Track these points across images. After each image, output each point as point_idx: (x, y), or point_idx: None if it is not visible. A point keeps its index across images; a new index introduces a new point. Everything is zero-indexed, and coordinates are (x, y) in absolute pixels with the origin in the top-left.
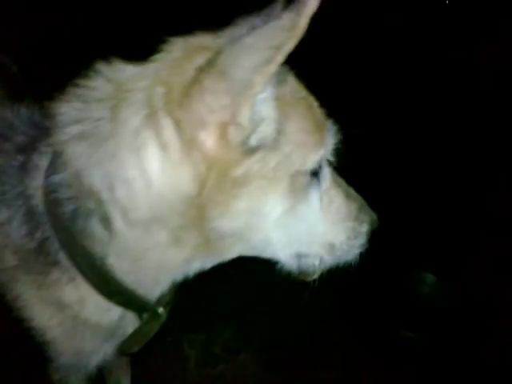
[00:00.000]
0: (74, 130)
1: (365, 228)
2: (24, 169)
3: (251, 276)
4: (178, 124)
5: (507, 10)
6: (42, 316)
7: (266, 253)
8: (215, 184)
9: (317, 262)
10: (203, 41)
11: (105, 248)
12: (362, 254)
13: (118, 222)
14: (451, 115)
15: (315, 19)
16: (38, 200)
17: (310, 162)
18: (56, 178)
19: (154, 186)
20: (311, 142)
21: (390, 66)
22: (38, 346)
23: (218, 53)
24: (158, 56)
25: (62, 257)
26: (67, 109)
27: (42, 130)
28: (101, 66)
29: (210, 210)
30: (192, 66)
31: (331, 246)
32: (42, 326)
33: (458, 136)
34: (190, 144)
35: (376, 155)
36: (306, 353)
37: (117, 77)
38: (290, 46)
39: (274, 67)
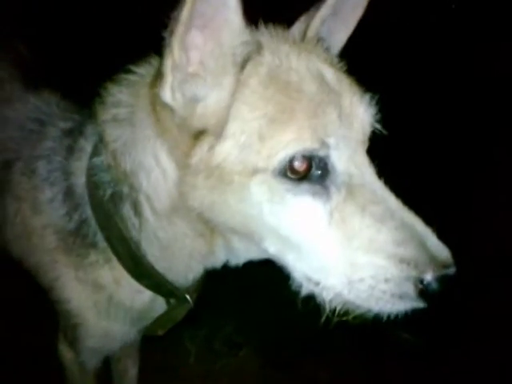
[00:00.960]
0: (112, 112)
1: (410, 272)
2: (70, 151)
3: (254, 273)
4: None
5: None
6: (78, 297)
7: (284, 264)
8: (188, 173)
9: (329, 296)
10: None
11: (137, 233)
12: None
13: (146, 210)
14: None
15: None
16: (80, 181)
17: (276, 160)
18: (97, 160)
19: (168, 176)
20: (276, 134)
21: (395, 69)
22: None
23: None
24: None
25: (99, 239)
26: (111, 92)
27: (86, 116)
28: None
29: (191, 200)
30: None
31: (348, 281)
32: (77, 308)
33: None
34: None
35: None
36: (304, 350)
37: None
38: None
39: (179, 31)
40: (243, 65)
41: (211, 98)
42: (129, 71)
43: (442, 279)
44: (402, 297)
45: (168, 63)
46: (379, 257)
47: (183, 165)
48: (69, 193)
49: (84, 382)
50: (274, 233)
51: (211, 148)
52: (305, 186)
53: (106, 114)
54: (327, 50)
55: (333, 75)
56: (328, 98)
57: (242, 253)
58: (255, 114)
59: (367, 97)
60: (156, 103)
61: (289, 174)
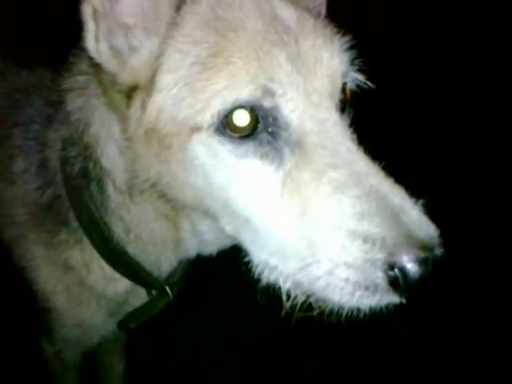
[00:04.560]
0: (74, 80)
1: (376, 254)
2: (50, 121)
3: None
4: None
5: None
6: (48, 279)
7: (245, 248)
8: (132, 140)
9: (286, 286)
10: None
11: (105, 213)
12: (376, 311)
13: (109, 187)
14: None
15: None
16: (55, 154)
17: (210, 113)
18: (66, 133)
19: (121, 148)
20: (210, 81)
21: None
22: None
23: None
24: None
25: (72, 217)
26: (76, 61)
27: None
28: None
29: (140, 171)
30: None
31: (304, 265)
32: (47, 291)
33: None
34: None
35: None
36: (297, 342)
37: None
38: None
39: None
40: (179, 5)
41: (144, 48)
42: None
43: (421, 263)
44: (368, 288)
45: (87, 10)
46: (337, 234)
47: (125, 131)
48: (43, 166)
49: (65, 378)
50: (225, 207)
51: (143, 105)
52: (249, 146)
53: (68, 82)
54: None
55: (291, 15)
56: (278, 38)
57: (209, 237)
58: (186, 61)
59: (337, 40)
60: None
61: (228, 131)
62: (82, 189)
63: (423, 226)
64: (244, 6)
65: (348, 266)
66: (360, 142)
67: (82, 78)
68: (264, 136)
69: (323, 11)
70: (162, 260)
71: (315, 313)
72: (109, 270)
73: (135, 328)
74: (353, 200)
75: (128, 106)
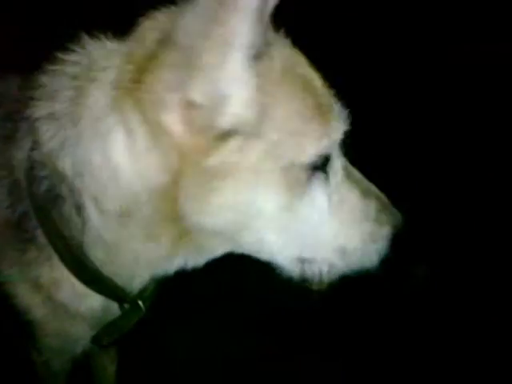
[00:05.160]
0: (47, 107)
1: (385, 231)
2: (11, 138)
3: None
4: (138, 105)
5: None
6: (24, 294)
7: (262, 255)
8: (190, 175)
9: (325, 269)
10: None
11: (79, 234)
12: (381, 260)
13: (91, 211)
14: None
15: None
16: (21, 173)
17: (308, 155)
18: (35, 154)
19: (121, 176)
20: (309, 129)
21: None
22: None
23: (173, 23)
24: (136, 30)
25: (40, 234)
26: (45, 82)
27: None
28: (85, 39)
29: (186, 204)
30: (154, 40)
31: (343, 251)
32: (24, 305)
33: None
34: (155, 128)
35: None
36: (295, 341)
37: (94, 53)
38: None
39: (223, 28)
40: (258, 57)
41: (236, 95)
42: (59, 58)
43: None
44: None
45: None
46: (368, 223)
47: (181, 167)
48: (13, 185)
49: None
50: (278, 225)
51: (240, 148)
52: (321, 175)
53: (40, 109)
54: None
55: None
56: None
57: (208, 252)
58: (285, 110)
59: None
60: (145, 101)
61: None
62: (49, 209)
63: (397, 215)
64: (301, 63)
65: (375, 240)
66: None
67: (62, 106)
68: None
69: None
70: (135, 277)
71: (325, 285)
72: (80, 287)
73: (108, 344)
74: (374, 207)
75: (212, 147)
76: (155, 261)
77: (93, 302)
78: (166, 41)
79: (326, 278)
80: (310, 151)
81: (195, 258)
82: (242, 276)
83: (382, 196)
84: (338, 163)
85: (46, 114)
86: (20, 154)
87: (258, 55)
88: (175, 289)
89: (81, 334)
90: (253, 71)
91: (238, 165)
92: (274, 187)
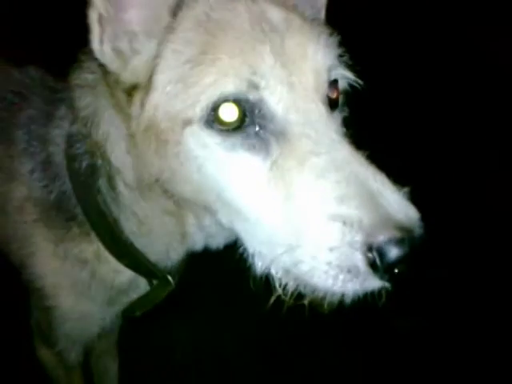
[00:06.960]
0: (83, 77)
1: (354, 235)
2: (50, 118)
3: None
4: (107, 84)
5: None
6: (55, 274)
7: (239, 239)
8: (137, 137)
9: (278, 273)
10: None
11: (115, 208)
12: (359, 297)
13: (120, 184)
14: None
15: None
16: (58, 149)
17: (199, 107)
18: (73, 129)
19: (116, 147)
20: (201, 76)
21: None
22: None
23: None
24: None
25: (79, 211)
26: (86, 58)
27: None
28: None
29: (143, 168)
30: None
31: (292, 251)
32: (53, 286)
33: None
34: (116, 99)
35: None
36: (295, 341)
37: None
38: None
39: None
40: (176, 11)
41: (144, 51)
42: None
43: (398, 244)
44: (350, 270)
45: (93, 15)
46: (318, 218)
47: (128, 129)
48: (47, 162)
49: (70, 379)
50: (218, 199)
51: (142, 103)
52: (237, 138)
53: (77, 78)
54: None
55: (279, 15)
56: (263, 36)
57: (214, 231)
58: (180, 60)
59: (323, 37)
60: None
61: (217, 124)
62: (89, 185)
63: (402, 209)
64: (235, 9)
65: (330, 249)
66: (356, 136)
67: (90, 76)
68: (251, 128)
69: (322, 17)
70: (170, 251)
71: (306, 301)
72: (114, 262)
73: (140, 316)
74: (333, 185)
75: (129, 104)
76: (178, 234)
77: (123, 276)
78: None
79: (277, 285)
80: (199, 103)
81: (210, 236)
82: (241, 276)
83: (376, 184)
84: (285, 126)
85: (81, 83)
86: (58, 131)
87: (175, 8)
88: (175, 289)
89: (101, 314)
90: (162, 25)
91: (145, 121)
92: (182, 149)
